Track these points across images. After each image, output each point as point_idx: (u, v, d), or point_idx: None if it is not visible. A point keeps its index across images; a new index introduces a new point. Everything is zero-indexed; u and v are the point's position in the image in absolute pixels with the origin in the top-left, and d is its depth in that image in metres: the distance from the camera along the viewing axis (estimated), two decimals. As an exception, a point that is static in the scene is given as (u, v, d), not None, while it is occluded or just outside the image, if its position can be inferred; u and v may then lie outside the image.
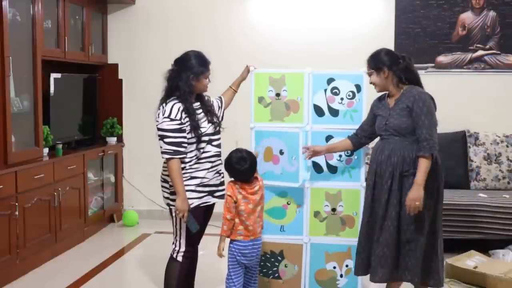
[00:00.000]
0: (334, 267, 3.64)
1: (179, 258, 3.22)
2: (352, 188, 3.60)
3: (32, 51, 4.29)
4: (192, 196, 3.14)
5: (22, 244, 4.07)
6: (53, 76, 4.77)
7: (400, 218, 3.13)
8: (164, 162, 3.16)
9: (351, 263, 3.61)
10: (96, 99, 5.61)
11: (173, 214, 3.19)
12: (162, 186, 3.25)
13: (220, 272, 4.17)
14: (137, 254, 4.74)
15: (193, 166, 3.13)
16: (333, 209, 3.62)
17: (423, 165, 3.04)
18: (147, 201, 5.78)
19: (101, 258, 4.52)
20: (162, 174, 3.24)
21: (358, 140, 3.46)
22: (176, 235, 3.23)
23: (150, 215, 5.78)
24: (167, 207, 3.26)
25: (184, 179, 3.10)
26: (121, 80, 5.77)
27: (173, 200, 3.14)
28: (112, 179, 5.63)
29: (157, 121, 3.10)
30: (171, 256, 3.26)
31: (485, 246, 4.47)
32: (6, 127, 3.92)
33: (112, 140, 5.62)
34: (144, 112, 5.68)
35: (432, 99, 3.15)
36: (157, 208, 5.73)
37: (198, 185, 3.15)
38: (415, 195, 3.03)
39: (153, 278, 4.13)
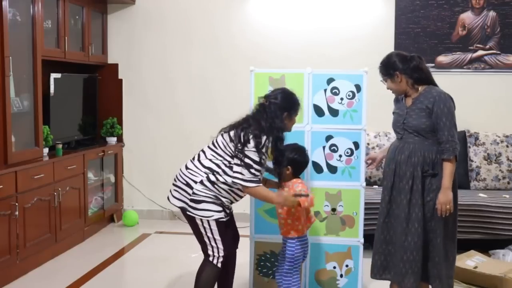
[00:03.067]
0: (334, 267, 3.65)
1: (219, 264, 3.11)
2: (352, 188, 3.60)
3: (32, 51, 4.29)
4: (212, 209, 3.04)
5: (22, 244, 4.06)
6: (53, 76, 4.77)
7: (424, 219, 3.10)
8: (188, 168, 3.08)
9: (351, 263, 3.61)
10: (96, 99, 5.61)
11: (203, 224, 3.06)
12: (182, 189, 3.09)
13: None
14: (137, 254, 4.74)
15: (224, 189, 3.07)
16: (333, 209, 3.62)
17: (448, 168, 3.03)
18: (147, 201, 5.78)
19: (101, 258, 4.51)
20: (185, 176, 3.08)
21: None
22: (211, 242, 3.08)
23: (150, 215, 5.78)
24: (169, 209, 3.19)
25: (212, 193, 3.04)
26: (121, 80, 5.77)
27: (197, 210, 3.03)
28: (112, 179, 5.63)
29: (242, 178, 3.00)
30: (209, 261, 3.10)
31: (485, 246, 4.47)
32: (6, 127, 3.92)
33: (112, 140, 5.62)
34: (144, 112, 5.69)
35: (451, 99, 3.13)
36: (157, 208, 5.74)
37: (220, 204, 3.08)
38: (444, 198, 3.02)
39: (153, 278, 4.13)
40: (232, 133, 3.07)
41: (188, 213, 3.08)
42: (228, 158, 3.05)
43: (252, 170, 2.99)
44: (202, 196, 3.04)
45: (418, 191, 3.10)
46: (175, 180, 3.15)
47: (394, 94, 3.27)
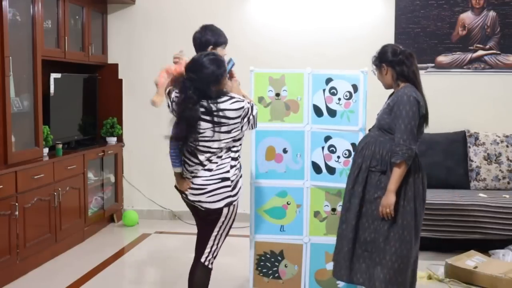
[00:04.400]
0: (334, 267, 3.65)
1: (210, 266, 3.08)
2: (352, 188, 3.60)
3: (32, 51, 4.29)
4: (241, 185, 3.05)
5: (22, 244, 4.07)
6: (53, 76, 4.77)
7: (361, 214, 3.09)
8: (211, 169, 2.94)
9: (351, 263, 3.61)
10: (96, 99, 5.61)
11: (230, 211, 3.00)
12: (219, 188, 2.94)
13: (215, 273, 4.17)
14: (137, 254, 4.74)
15: (239, 154, 3.05)
16: (333, 209, 3.62)
17: (395, 173, 2.97)
18: (147, 201, 5.78)
19: (101, 258, 4.52)
20: (214, 176, 2.94)
21: None
22: (215, 241, 3.05)
23: (150, 215, 5.78)
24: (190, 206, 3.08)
25: (239, 172, 3.02)
26: (121, 80, 5.77)
27: (237, 195, 3.00)
28: (112, 179, 5.63)
29: (253, 112, 2.96)
30: (201, 263, 3.05)
31: (485, 246, 4.46)
32: (6, 127, 3.93)
33: (112, 140, 5.62)
34: (144, 112, 5.68)
35: (418, 102, 3.00)
36: (157, 208, 5.74)
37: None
38: (385, 201, 2.99)
39: (153, 278, 4.13)
40: (223, 128, 2.88)
41: (231, 206, 2.99)
42: (235, 142, 2.98)
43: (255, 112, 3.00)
44: (236, 178, 2.98)
45: (360, 183, 3.08)
46: (201, 189, 2.96)
47: (384, 87, 3.25)
